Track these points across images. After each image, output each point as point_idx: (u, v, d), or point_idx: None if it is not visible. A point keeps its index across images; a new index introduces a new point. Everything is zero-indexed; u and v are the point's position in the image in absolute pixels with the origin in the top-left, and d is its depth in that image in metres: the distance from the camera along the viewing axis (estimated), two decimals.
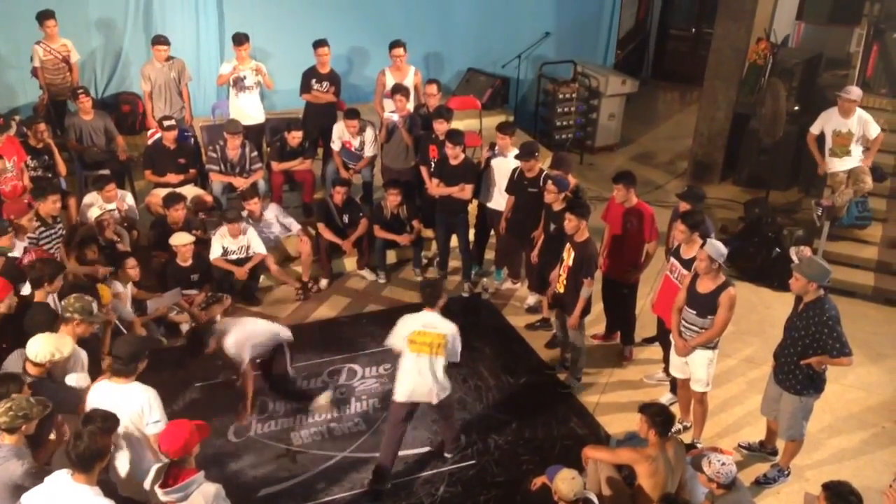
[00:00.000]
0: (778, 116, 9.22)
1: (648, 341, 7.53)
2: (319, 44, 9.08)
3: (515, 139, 8.18)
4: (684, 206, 6.74)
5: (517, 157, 7.71)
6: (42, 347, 4.90)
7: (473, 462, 6.24)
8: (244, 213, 8.11)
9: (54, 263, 6.08)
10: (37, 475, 4.33)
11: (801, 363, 5.62)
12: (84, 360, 5.18)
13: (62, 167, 8.22)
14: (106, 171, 8.43)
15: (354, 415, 6.71)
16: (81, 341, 5.28)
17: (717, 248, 5.80)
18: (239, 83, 8.99)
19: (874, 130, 8.43)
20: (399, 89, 8.60)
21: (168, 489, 4.19)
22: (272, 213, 8.34)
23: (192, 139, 9.28)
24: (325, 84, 9.19)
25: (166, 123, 8.44)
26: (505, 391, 7.04)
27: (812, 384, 5.71)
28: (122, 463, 4.73)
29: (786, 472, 6.12)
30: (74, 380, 5.07)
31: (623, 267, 7.11)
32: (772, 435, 6.27)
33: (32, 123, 8.10)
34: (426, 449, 6.34)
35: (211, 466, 5.15)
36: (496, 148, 8.05)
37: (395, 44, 9.11)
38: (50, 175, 8.08)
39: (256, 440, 6.40)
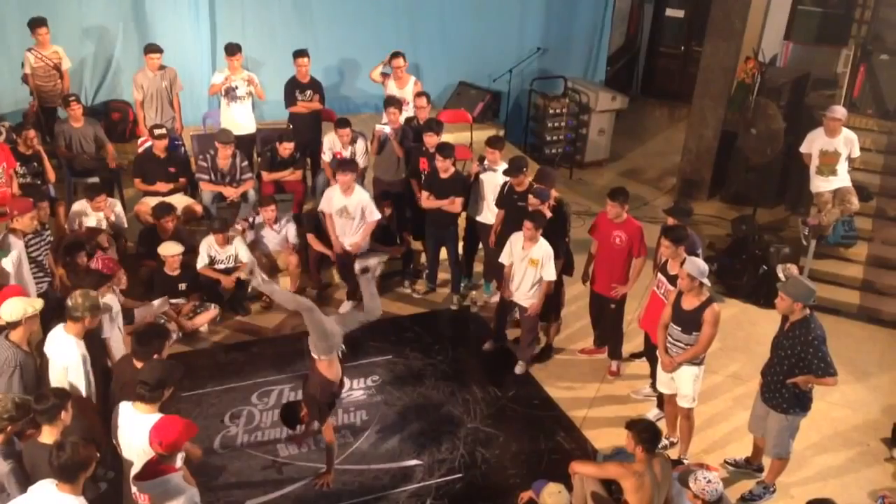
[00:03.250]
0: (774, 135, 9.27)
1: (635, 356, 7.56)
2: (299, 54, 9.14)
3: (505, 153, 8.22)
4: (671, 222, 6.80)
5: (505, 172, 7.76)
6: (16, 305, 5.07)
7: (460, 475, 6.23)
8: (259, 220, 8.22)
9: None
10: (20, 478, 4.33)
11: (787, 382, 5.66)
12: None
13: (51, 174, 8.17)
14: (96, 180, 8.42)
15: (342, 426, 6.67)
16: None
17: (697, 265, 5.83)
18: (231, 93, 8.99)
19: (858, 152, 8.54)
20: (392, 102, 8.63)
21: (142, 482, 4.16)
22: (284, 220, 8.39)
23: (182, 148, 9.26)
24: (308, 93, 9.23)
25: (157, 132, 8.42)
26: (493, 405, 7.04)
27: (798, 403, 5.75)
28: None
29: (771, 489, 6.15)
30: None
31: (611, 282, 7.16)
32: (758, 452, 6.30)
33: (22, 130, 8.04)
34: (413, 462, 6.34)
35: (197, 476, 5.11)
36: (485, 162, 8.08)
37: (395, 55, 9.17)
38: (39, 182, 8.04)
39: (243, 451, 6.37)
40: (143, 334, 5.29)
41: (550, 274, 6.98)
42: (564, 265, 7.44)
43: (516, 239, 7.09)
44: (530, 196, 7.21)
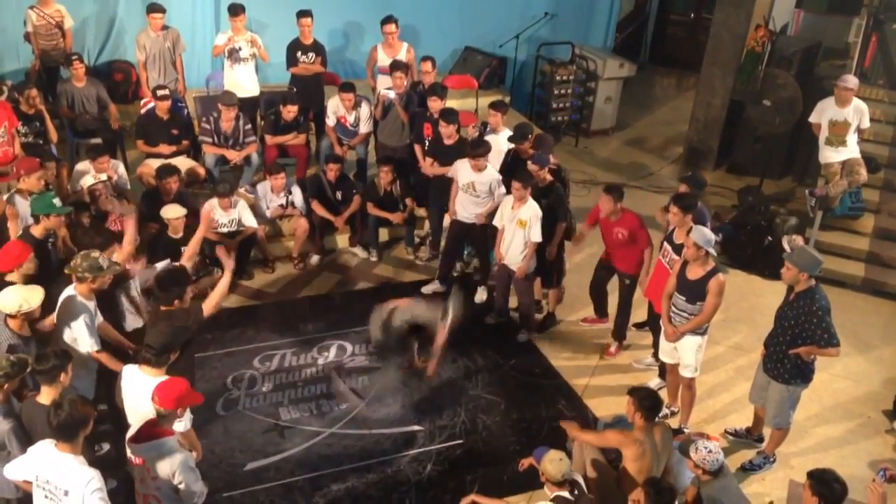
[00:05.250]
0: (792, 103, 9.11)
1: (639, 326, 7.54)
2: (303, 14, 9.01)
3: (509, 120, 8.14)
4: (683, 189, 6.72)
5: (510, 139, 7.68)
6: (12, 299, 4.95)
7: (461, 441, 6.25)
8: (267, 185, 8.17)
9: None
10: (21, 437, 4.34)
11: (790, 352, 5.64)
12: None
13: (53, 134, 8.12)
14: (98, 141, 8.36)
15: (343, 391, 6.70)
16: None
17: (703, 234, 5.79)
18: (234, 55, 8.89)
19: (867, 123, 8.45)
20: (398, 66, 8.51)
21: (136, 444, 4.17)
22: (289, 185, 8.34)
23: (185, 110, 9.19)
24: (311, 55, 9.12)
25: (160, 93, 8.34)
26: (494, 372, 7.05)
27: (800, 374, 5.74)
28: None
29: (771, 459, 6.16)
30: None
31: (625, 258, 7.03)
32: (759, 422, 6.31)
33: (24, 89, 7.98)
34: (415, 427, 6.36)
35: (199, 439, 5.14)
36: (488, 126, 8.01)
37: (386, 20, 9.04)
38: (41, 142, 7.99)
39: (245, 414, 6.40)
40: (163, 279, 5.30)
41: (536, 235, 6.92)
42: (567, 230, 7.37)
43: (507, 200, 7.06)
44: (529, 162, 7.15)
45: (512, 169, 7.63)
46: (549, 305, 7.74)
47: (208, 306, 5.34)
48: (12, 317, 4.96)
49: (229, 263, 5.76)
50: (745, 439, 6.39)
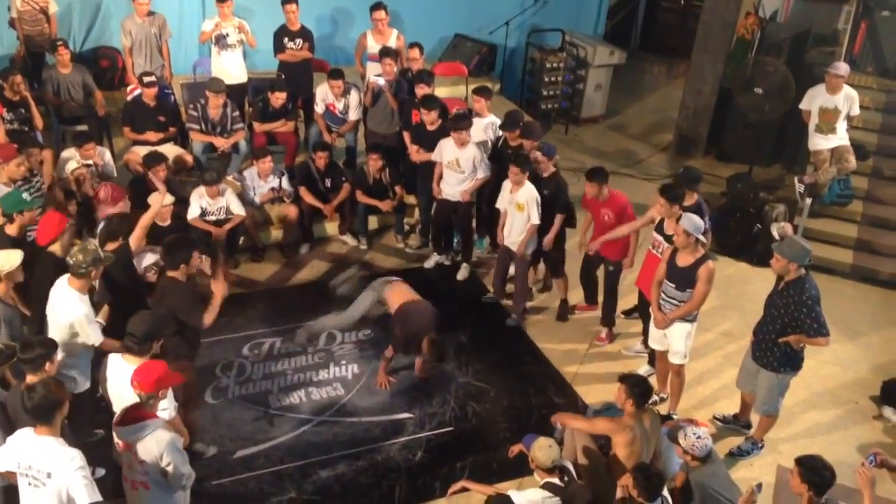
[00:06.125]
0: (786, 90, 9.11)
1: (627, 314, 7.55)
2: (288, 0, 8.92)
3: (498, 105, 8.12)
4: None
5: (501, 127, 7.68)
6: None
7: (451, 429, 6.26)
8: (254, 171, 8.12)
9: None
10: (3, 425, 4.32)
11: (779, 341, 5.65)
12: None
13: (39, 121, 8.04)
14: (84, 127, 8.29)
15: (333, 379, 6.69)
16: None
17: (693, 221, 5.78)
18: (221, 41, 8.81)
19: (857, 110, 8.46)
20: (388, 53, 8.46)
21: (122, 428, 4.14)
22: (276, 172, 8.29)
23: (172, 97, 9.11)
24: (298, 41, 9.05)
25: (146, 80, 8.25)
26: (484, 359, 7.04)
27: (790, 362, 5.76)
28: None
29: (759, 445, 6.19)
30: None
31: (612, 248, 7.03)
32: (746, 408, 6.33)
33: (8, 75, 7.88)
34: (405, 415, 6.35)
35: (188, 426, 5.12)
36: (473, 112, 7.99)
37: (376, 6, 8.97)
38: (26, 129, 7.91)
39: (234, 402, 6.38)
40: (170, 244, 5.37)
41: (535, 217, 6.99)
42: (567, 218, 7.35)
43: (505, 185, 7.15)
44: (537, 153, 7.12)
45: (499, 156, 7.61)
46: (560, 293, 7.68)
47: (209, 316, 5.38)
48: None
49: (220, 276, 5.71)
50: (732, 425, 6.41)
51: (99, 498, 3.94)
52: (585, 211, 7.26)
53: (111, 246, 5.66)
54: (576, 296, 7.75)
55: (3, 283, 5.01)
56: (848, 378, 7.14)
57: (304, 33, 9.11)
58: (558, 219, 7.16)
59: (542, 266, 7.93)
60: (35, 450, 3.99)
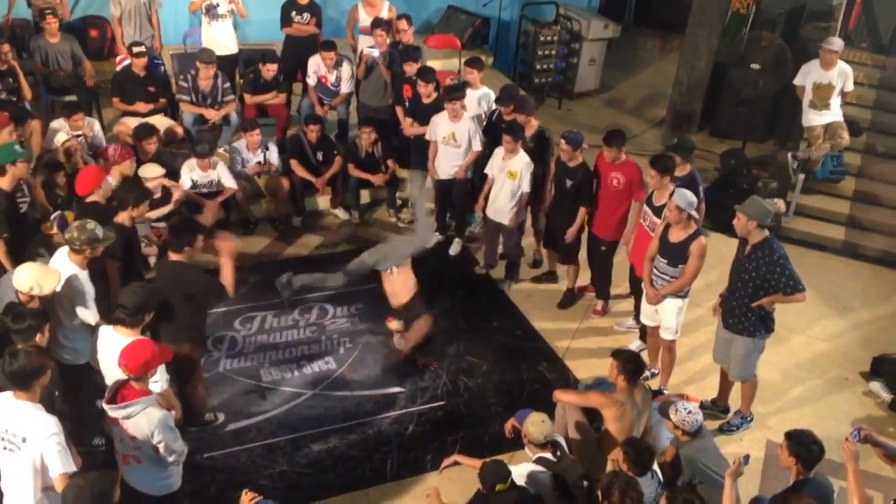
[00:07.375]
0: (782, 65, 9.04)
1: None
2: None
3: (492, 79, 8.06)
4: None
5: (496, 101, 7.61)
6: (26, 278, 4.80)
7: (443, 403, 6.27)
8: (244, 143, 8.04)
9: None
10: None
11: (753, 305, 5.65)
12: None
13: (27, 91, 7.95)
14: (73, 98, 8.19)
15: (325, 353, 6.69)
16: None
17: (685, 197, 5.77)
18: (211, 10, 8.69)
19: (851, 86, 8.44)
20: (380, 24, 8.36)
21: (113, 405, 4.13)
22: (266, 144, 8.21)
23: (162, 67, 9.00)
24: (305, 15, 8.93)
25: (136, 50, 8.14)
26: (476, 334, 7.04)
27: (763, 325, 5.78)
28: None
29: (749, 419, 6.22)
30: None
31: (608, 224, 6.96)
32: (724, 392, 6.30)
33: None
34: (396, 389, 6.36)
35: (179, 400, 5.12)
36: (467, 85, 7.94)
37: None
38: (14, 99, 7.81)
39: (226, 376, 6.37)
40: (176, 226, 5.43)
41: (527, 186, 6.99)
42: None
43: (498, 152, 7.12)
44: (562, 140, 6.88)
45: (493, 129, 7.56)
46: (569, 281, 7.57)
47: (231, 289, 5.42)
48: (22, 293, 4.83)
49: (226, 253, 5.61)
50: (709, 411, 6.26)
51: (73, 467, 3.95)
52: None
53: (122, 216, 5.62)
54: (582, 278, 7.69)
55: (25, 296, 4.84)
56: (837, 353, 7.17)
57: (313, 7, 8.97)
58: (581, 212, 6.95)
59: (531, 240, 7.91)
60: (13, 413, 3.99)
